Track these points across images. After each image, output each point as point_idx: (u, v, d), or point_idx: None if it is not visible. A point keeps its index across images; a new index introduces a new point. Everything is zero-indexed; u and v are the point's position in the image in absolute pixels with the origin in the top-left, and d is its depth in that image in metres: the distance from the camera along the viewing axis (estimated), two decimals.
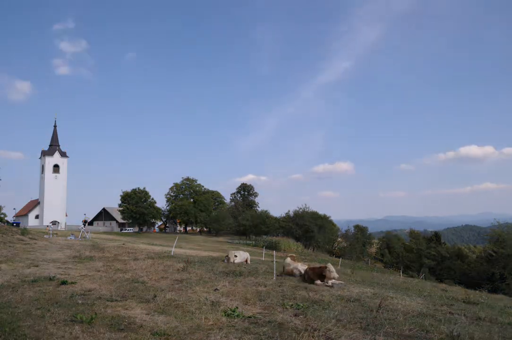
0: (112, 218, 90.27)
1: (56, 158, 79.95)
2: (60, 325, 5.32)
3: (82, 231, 32.15)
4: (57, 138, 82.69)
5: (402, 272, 41.07)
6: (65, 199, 79.92)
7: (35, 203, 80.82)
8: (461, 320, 6.85)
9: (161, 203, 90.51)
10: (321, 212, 74.40)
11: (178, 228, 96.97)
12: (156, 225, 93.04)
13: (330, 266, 10.43)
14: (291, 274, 11.98)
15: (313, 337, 5.12)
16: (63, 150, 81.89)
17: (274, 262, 12.34)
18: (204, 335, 5.08)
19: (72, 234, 31.63)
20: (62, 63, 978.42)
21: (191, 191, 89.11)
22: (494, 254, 44.62)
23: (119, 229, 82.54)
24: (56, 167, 79.58)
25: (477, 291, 18.48)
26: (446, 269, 50.39)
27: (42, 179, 79.58)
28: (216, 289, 8.52)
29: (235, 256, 15.20)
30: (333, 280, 10.33)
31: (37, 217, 79.15)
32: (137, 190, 78.07)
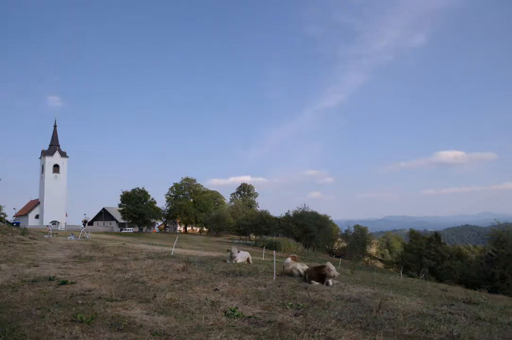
0: (112, 218, 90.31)
1: (56, 158, 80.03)
2: (60, 325, 5.31)
3: (82, 231, 32.15)
4: (57, 138, 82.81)
5: (402, 272, 41.03)
6: (65, 199, 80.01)
7: (35, 203, 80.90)
8: (461, 320, 6.83)
9: (161, 203, 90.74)
10: (321, 212, 74.68)
11: (178, 228, 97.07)
12: (156, 225, 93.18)
13: (330, 265, 10.41)
14: (290, 274, 11.97)
15: (313, 337, 5.11)
16: (63, 150, 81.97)
17: (274, 262, 12.31)
18: (204, 335, 5.07)
19: (72, 234, 31.61)
20: None
21: (191, 191, 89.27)
22: (494, 254, 44.55)
23: (119, 229, 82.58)
24: (56, 167, 79.68)
25: (477, 291, 18.45)
26: (446, 269, 50.26)
27: (42, 179, 79.67)
28: (216, 289, 8.51)
29: (238, 251, 15.18)
30: (332, 279, 10.33)
31: (37, 217, 79.22)
32: (137, 190, 78.22)
